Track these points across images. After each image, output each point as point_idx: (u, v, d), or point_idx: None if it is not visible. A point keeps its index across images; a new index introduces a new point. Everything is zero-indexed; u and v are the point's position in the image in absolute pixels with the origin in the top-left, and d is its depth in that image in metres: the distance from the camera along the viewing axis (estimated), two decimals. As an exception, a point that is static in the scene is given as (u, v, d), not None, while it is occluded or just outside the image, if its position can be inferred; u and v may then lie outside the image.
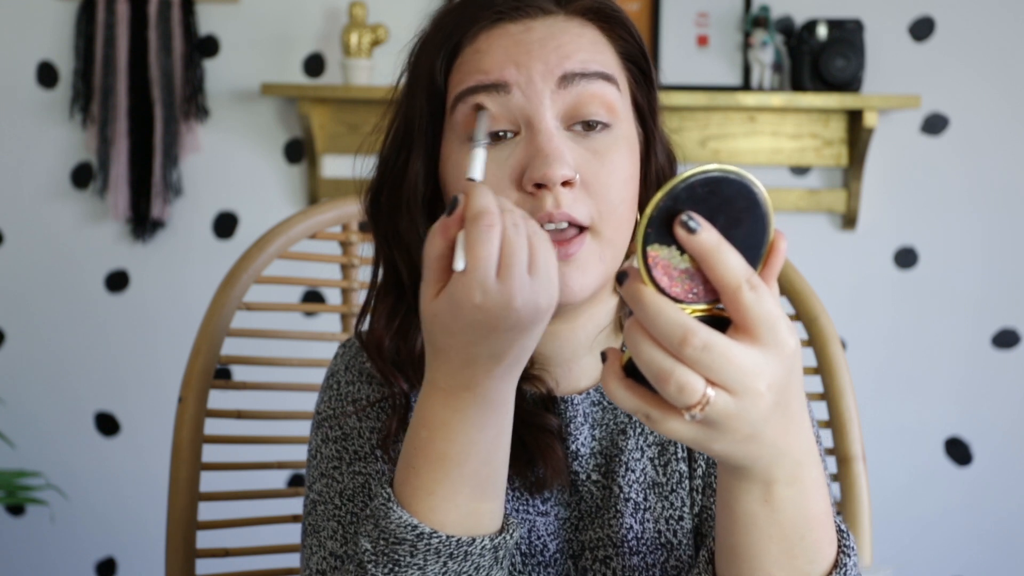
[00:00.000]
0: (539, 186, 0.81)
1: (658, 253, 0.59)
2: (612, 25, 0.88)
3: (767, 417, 0.61)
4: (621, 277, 0.60)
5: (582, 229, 0.83)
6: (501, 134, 0.83)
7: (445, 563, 0.75)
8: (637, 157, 0.88)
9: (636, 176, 0.87)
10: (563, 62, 0.83)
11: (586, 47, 0.85)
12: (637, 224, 0.59)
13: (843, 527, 0.75)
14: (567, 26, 0.86)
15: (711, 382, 0.59)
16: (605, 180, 0.83)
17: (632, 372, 0.62)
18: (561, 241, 0.82)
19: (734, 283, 0.58)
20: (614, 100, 0.85)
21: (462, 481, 0.74)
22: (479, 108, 0.83)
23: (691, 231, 0.58)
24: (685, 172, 0.58)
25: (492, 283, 0.67)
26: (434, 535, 0.74)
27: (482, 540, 0.76)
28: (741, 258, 0.59)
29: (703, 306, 0.61)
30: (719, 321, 0.60)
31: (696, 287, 0.60)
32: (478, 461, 0.74)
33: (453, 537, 0.75)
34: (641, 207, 0.89)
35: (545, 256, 0.69)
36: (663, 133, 0.93)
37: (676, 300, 0.60)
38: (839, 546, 0.74)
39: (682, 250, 0.59)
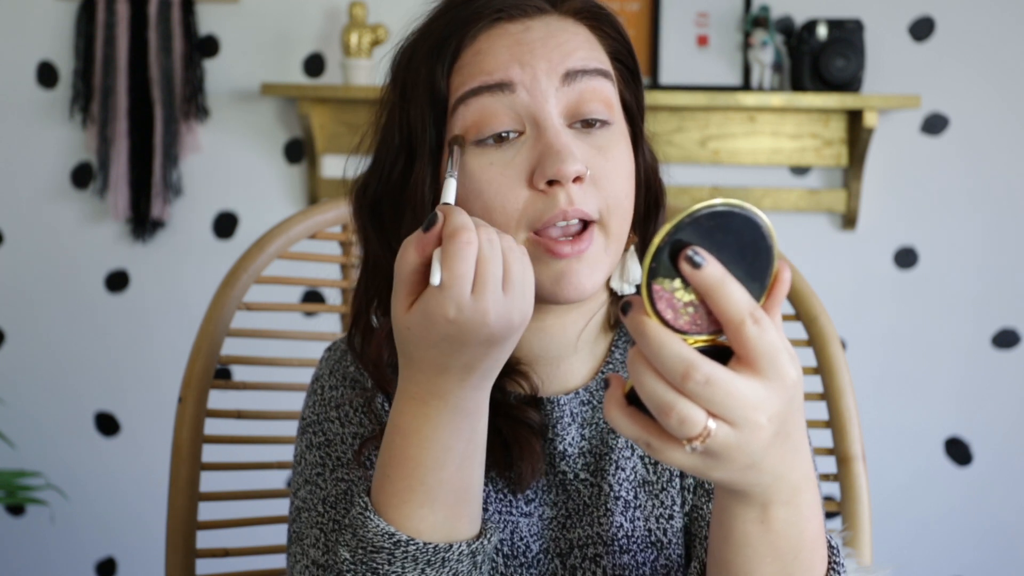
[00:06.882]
0: (552, 183, 0.81)
1: (662, 286, 0.60)
2: (601, 24, 0.89)
3: (767, 447, 0.62)
4: (625, 307, 0.61)
5: (587, 224, 0.83)
6: (505, 135, 0.83)
7: (423, 570, 0.76)
8: (632, 153, 0.89)
9: (633, 171, 0.88)
10: (565, 59, 0.84)
11: (583, 45, 0.86)
12: (642, 257, 0.60)
13: (834, 543, 0.76)
14: (563, 25, 0.86)
15: (712, 414, 0.59)
16: (611, 175, 0.84)
17: (634, 400, 0.62)
18: (573, 238, 0.82)
19: (737, 318, 0.59)
20: (611, 96, 0.86)
21: (437, 487, 0.75)
22: (455, 144, 0.83)
23: (696, 266, 0.58)
24: (691, 207, 0.59)
25: (467, 299, 0.68)
26: (411, 542, 0.75)
27: (459, 546, 0.77)
28: (745, 292, 0.59)
29: (706, 336, 0.61)
30: (722, 351, 0.61)
31: (700, 319, 0.61)
32: (452, 467, 0.75)
33: (430, 544, 0.75)
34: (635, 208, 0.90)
35: (519, 272, 0.70)
36: (646, 133, 0.94)
37: (680, 331, 0.60)
38: (829, 562, 0.74)
39: (687, 283, 0.60)
